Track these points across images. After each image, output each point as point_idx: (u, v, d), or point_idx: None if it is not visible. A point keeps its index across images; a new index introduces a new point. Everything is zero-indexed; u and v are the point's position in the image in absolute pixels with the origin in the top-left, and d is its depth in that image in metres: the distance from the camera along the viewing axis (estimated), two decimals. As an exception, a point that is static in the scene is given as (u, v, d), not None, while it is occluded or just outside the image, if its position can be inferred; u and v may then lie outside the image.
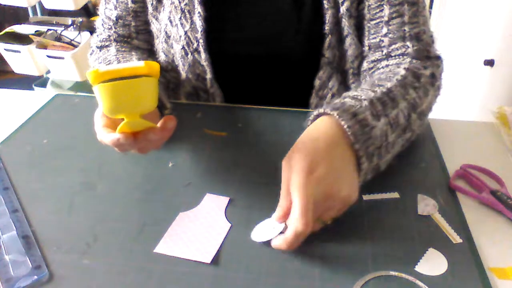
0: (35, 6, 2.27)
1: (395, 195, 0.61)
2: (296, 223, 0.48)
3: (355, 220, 0.56)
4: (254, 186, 0.62)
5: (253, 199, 0.60)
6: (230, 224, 0.56)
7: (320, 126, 0.55)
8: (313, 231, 0.51)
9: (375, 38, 0.75)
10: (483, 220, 0.57)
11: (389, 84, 0.62)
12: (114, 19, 0.84)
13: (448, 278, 0.49)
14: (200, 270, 0.50)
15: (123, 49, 0.83)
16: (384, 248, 0.52)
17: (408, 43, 0.72)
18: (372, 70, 0.76)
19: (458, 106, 1.73)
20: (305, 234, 0.49)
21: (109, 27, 0.85)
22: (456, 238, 0.54)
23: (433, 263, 0.50)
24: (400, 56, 0.73)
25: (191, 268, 0.50)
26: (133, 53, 0.81)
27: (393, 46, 0.73)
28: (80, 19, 2.17)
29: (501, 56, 1.64)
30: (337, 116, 0.54)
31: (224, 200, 0.60)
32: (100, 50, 0.86)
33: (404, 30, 0.72)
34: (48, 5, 2.06)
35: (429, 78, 0.68)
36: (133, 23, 0.84)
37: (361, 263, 0.50)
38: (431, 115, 0.72)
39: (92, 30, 2.00)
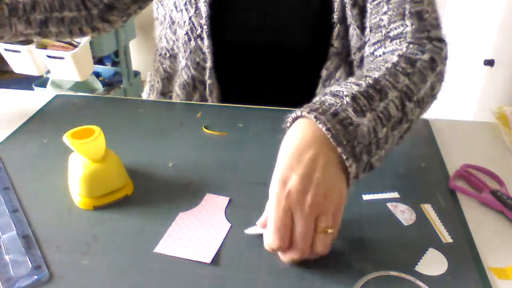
0: (35, 6, 2.27)
1: (395, 195, 0.61)
2: (268, 240, 0.48)
3: (355, 220, 0.56)
4: (254, 186, 0.62)
5: (253, 199, 0.60)
6: (230, 224, 0.56)
7: (295, 131, 0.50)
8: (324, 247, 0.48)
9: (375, 17, 0.71)
10: (483, 220, 0.57)
11: (377, 74, 0.56)
12: None
13: (448, 278, 0.49)
14: (200, 270, 0.50)
15: None
16: (384, 248, 0.52)
17: (407, 22, 0.68)
18: (372, 55, 0.72)
19: (458, 106, 1.73)
20: (279, 249, 0.48)
21: None
22: (446, 238, 0.54)
23: (433, 263, 0.50)
24: (398, 38, 0.68)
25: (191, 268, 0.50)
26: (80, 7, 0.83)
27: (392, 25, 0.69)
28: (80, 19, 2.16)
29: (501, 56, 1.64)
30: (315, 119, 0.48)
31: (224, 200, 0.60)
32: None
33: (405, 7, 0.68)
34: (48, 5, 2.05)
35: (428, 63, 0.62)
36: None
37: (361, 263, 0.50)
38: (431, 115, 0.72)
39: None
